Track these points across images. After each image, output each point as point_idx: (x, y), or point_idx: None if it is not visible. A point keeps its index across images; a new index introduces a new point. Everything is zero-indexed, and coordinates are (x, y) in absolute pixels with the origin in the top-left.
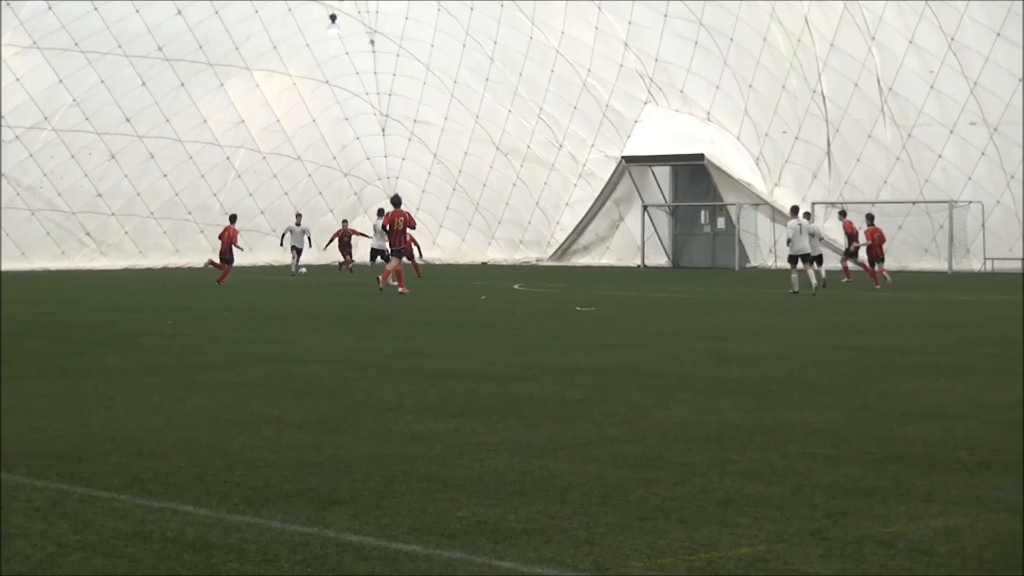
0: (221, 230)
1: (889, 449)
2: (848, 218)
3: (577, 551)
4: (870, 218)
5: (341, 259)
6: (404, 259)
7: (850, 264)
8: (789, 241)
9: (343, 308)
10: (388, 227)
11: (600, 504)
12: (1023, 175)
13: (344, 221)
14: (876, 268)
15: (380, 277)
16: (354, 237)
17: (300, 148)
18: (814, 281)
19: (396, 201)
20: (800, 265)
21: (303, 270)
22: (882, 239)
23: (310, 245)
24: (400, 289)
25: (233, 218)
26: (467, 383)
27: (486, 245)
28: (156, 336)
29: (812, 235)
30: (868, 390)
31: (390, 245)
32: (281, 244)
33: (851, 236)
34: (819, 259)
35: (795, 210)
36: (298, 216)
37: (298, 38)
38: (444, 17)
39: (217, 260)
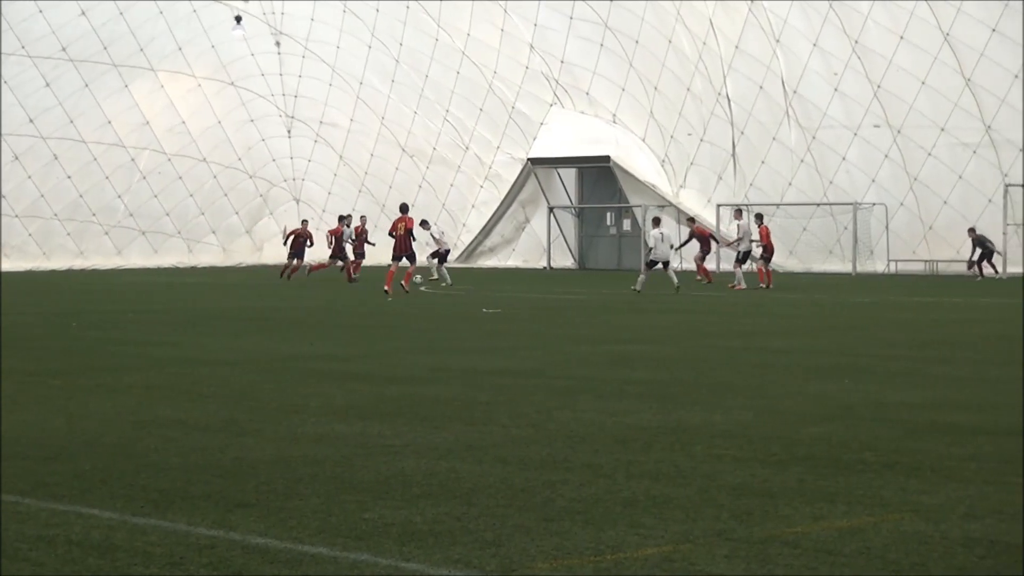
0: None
1: (794, 450)
2: (765, 224)
3: (483, 552)
4: (760, 217)
5: (321, 262)
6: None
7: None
8: (651, 248)
9: (250, 310)
10: (392, 233)
11: (506, 506)
12: (926, 177)
13: (304, 221)
14: (762, 266)
15: (403, 283)
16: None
17: (205, 150)
18: (675, 280)
19: (404, 208)
20: (658, 268)
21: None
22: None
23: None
24: (386, 288)
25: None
26: (373, 385)
27: (391, 247)
28: (60, 339)
29: (672, 244)
30: (773, 391)
31: (394, 250)
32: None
33: (767, 244)
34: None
35: (657, 221)
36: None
37: (203, 39)
38: (349, 19)
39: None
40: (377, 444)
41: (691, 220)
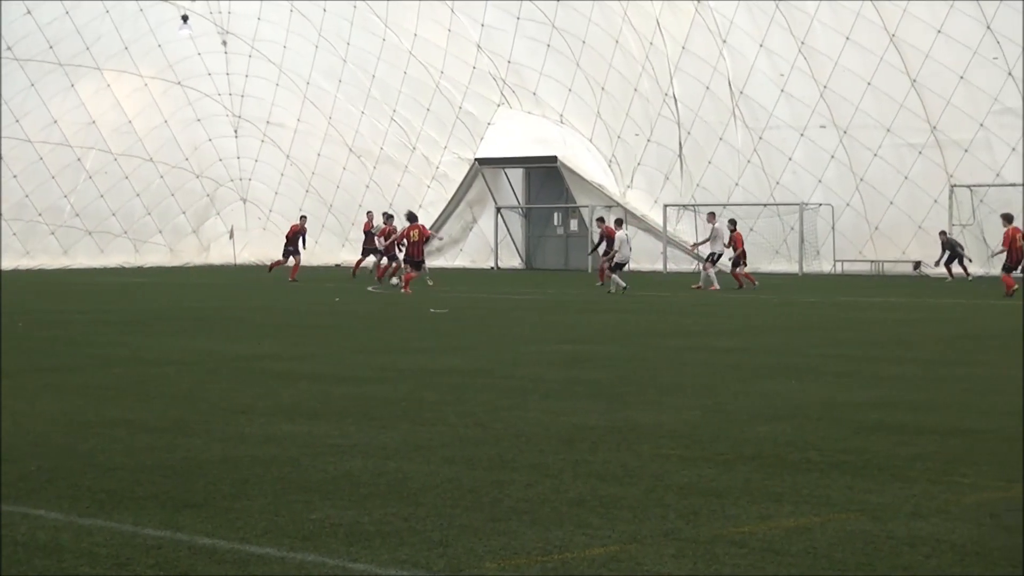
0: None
1: (741, 450)
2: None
3: (431, 552)
4: (733, 223)
5: (277, 259)
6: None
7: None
8: (616, 251)
9: (198, 310)
10: (405, 240)
11: (454, 506)
12: (872, 178)
13: (303, 217)
14: (738, 270)
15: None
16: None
17: (152, 149)
18: (622, 283)
19: (411, 217)
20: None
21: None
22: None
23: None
24: (407, 290)
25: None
26: (321, 385)
27: (339, 247)
28: (6, 339)
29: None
30: (720, 391)
31: (407, 255)
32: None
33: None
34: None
35: (620, 223)
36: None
37: (149, 38)
38: (296, 18)
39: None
40: (324, 444)
41: (600, 220)
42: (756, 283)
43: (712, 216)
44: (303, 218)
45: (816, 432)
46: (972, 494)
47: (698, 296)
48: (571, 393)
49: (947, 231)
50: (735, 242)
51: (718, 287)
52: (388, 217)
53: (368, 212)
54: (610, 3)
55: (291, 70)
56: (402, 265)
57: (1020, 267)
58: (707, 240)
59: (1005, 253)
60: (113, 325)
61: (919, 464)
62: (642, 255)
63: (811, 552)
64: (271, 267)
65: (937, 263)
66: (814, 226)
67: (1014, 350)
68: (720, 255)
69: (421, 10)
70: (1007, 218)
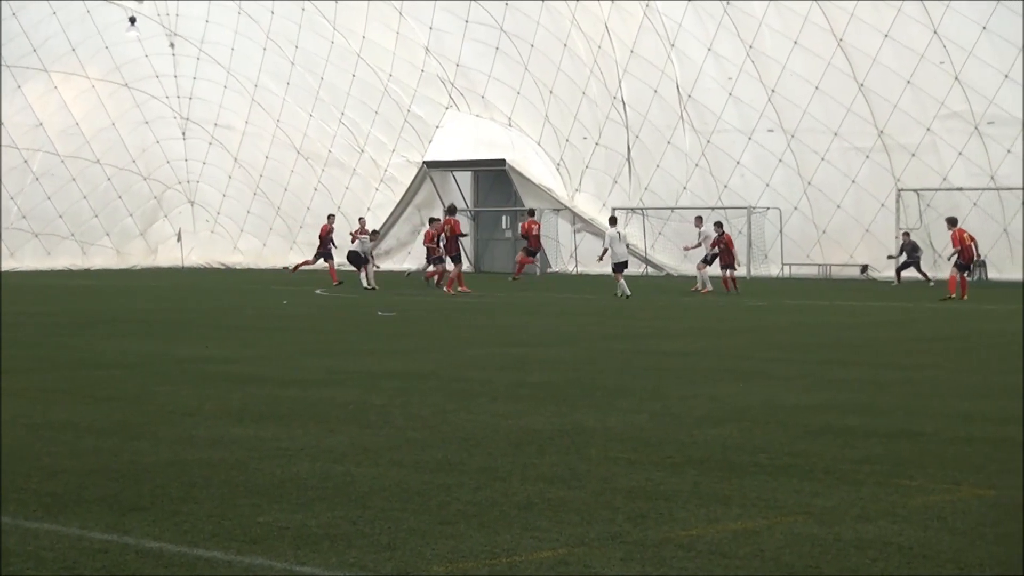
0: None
1: (689, 453)
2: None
3: (378, 556)
4: (719, 225)
5: (304, 260)
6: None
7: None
8: (606, 250)
9: (145, 313)
10: (438, 236)
11: (401, 509)
12: (820, 182)
13: (330, 216)
14: (728, 274)
15: (445, 286)
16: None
17: (99, 151)
18: (627, 291)
19: (452, 210)
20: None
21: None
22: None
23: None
24: (448, 290)
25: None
26: (268, 388)
27: (288, 250)
28: None
29: (628, 244)
30: (668, 394)
31: (446, 251)
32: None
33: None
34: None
35: (613, 220)
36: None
37: (97, 40)
38: (244, 20)
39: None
40: (272, 447)
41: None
42: (738, 289)
43: (699, 220)
44: (331, 217)
45: (763, 435)
46: (919, 497)
47: (645, 299)
48: (519, 396)
49: (909, 233)
50: (726, 244)
51: (709, 288)
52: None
53: (360, 219)
54: (558, 7)
55: (239, 72)
56: (447, 267)
57: (971, 266)
58: (698, 244)
59: (958, 253)
60: (60, 327)
61: (866, 467)
62: (590, 259)
63: (758, 555)
64: (294, 269)
65: (899, 263)
66: (762, 230)
67: (959, 353)
68: (715, 257)
69: (369, 13)
70: (951, 222)
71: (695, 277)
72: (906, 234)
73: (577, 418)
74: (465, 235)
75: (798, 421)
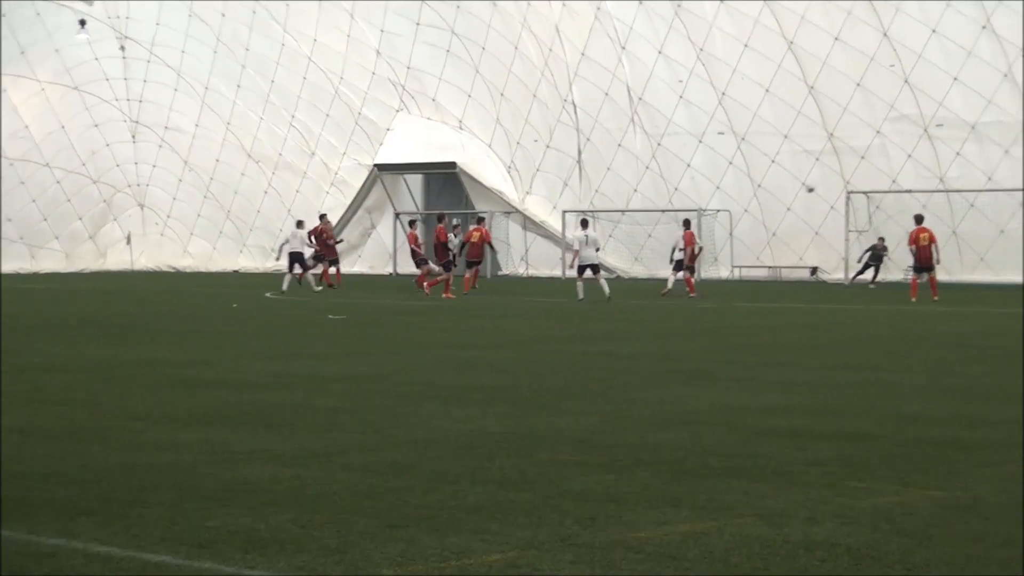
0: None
1: (639, 455)
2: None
3: (328, 560)
4: (686, 223)
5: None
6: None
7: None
8: (577, 252)
9: (94, 316)
10: (468, 240)
11: (351, 512)
12: (770, 184)
13: (322, 216)
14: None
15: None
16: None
17: (48, 154)
18: (607, 289)
19: (481, 220)
20: (588, 274)
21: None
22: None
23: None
24: (427, 291)
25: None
26: (218, 392)
27: (238, 253)
28: None
29: (597, 247)
30: (618, 397)
31: (467, 257)
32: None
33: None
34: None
35: (584, 223)
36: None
37: (46, 43)
38: (195, 23)
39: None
40: (221, 451)
41: (320, 218)
42: (694, 293)
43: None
44: (323, 217)
45: (713, 437)
46: (867, 498)
47: (595, 301)
48: (469, 399)
49: (883, 238)
50: (685, 241)
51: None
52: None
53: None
54: (509, 9)
55: (189, 75)
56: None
57: (926, 268)
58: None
59: (913, 254)
60: (8, 331)
61: (815, 469)
62: (541, 262)
63: (707, 557)
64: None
65: (865, 266)
66: (712, 232)
67: (908, 355)
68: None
69: (321, 16)
70: (916, 219)
71: (645, 279)
72: (881, 239)
73: (527, 421)
74: (447, 244)
75: (747, 423)
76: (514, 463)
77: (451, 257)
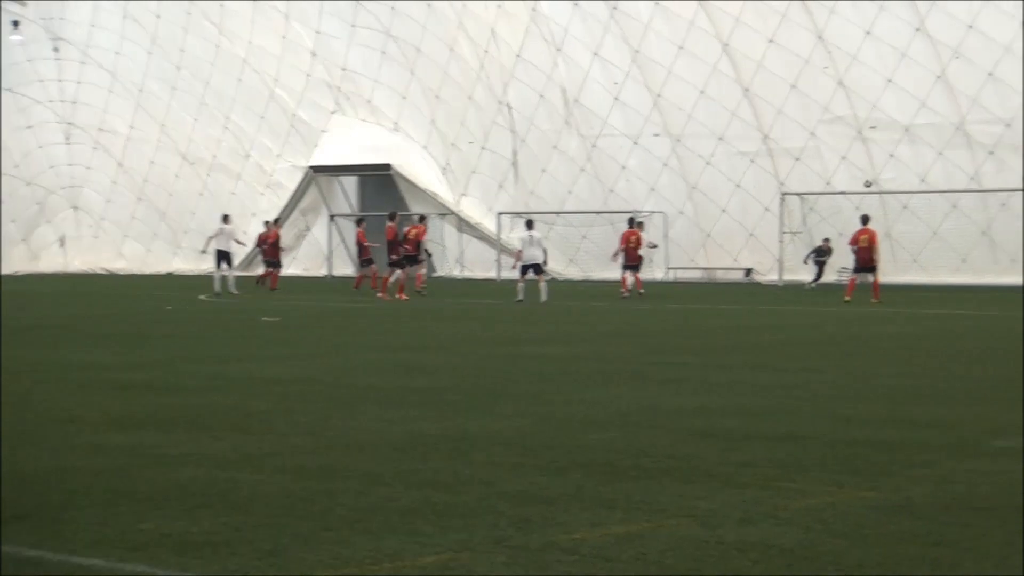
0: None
1: (573, 457)
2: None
3: (262, 562)
4: (630, 222)
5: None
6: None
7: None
8: (520, 252)
9: (26, 319)
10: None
11: (285, 515)
12: (705, 186)
13: (276, 221)
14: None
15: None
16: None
17: None
18: (544, 293)
19: (392, 216)
20: (531, 275)
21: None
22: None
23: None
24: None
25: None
26: (150, 395)
27: (172, 255)
28: None
29: (543, 247)
30: (551, 399)
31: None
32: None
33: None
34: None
35: (530, 223)
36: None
37: None
38: (130, 25)
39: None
40: (154, 454)
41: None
42: (628, 294)
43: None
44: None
45: (647, 439)
46: (800, 499)
47: (531, 303)
48: (403, 401)
49: (828, 239)
50: (620, 241)
51: (522, 298)
52: (421, 218)
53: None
54: (445, 11)
55: (124, 77)
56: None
57: (868, 269)
58: (652, 245)
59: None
60: None
61: (748, 470)
62: (476, 264)
63: (641, 558)
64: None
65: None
66: (647, 234)
67: (841, 356)
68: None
69: (256, 18)
70: (862, 219)
71: (579, 280)
72: (826, 240)
73: (461, 423)
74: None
75: (681, 424)
76: (448, 465)
77: (401, 256)
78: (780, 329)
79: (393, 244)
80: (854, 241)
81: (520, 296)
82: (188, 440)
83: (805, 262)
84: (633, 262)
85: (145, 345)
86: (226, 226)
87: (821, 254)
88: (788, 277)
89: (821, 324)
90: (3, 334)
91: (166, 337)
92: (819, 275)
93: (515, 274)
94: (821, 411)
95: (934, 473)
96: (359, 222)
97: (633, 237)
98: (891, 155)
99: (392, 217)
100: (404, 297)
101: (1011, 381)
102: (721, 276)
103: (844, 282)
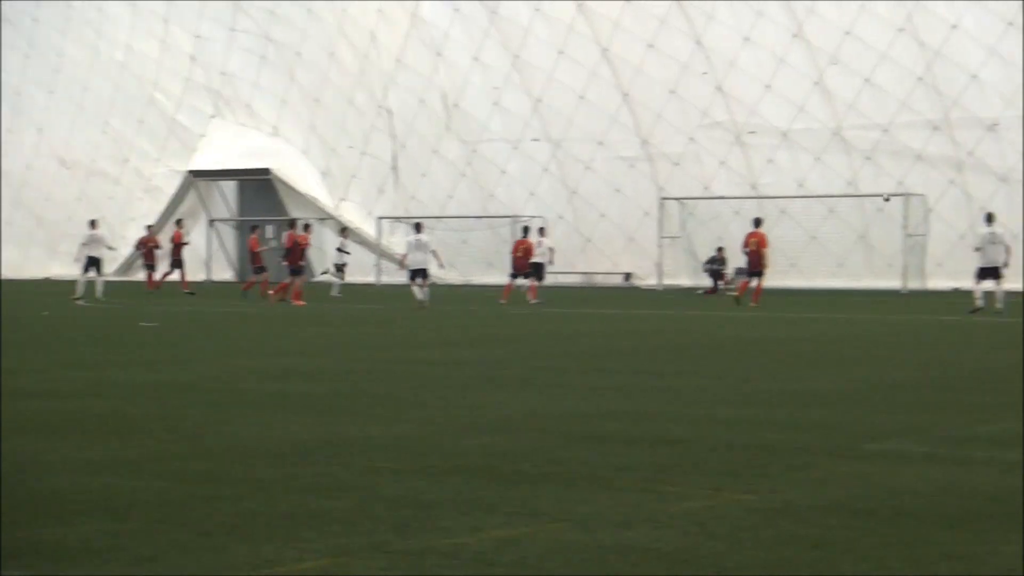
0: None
1: (453, 462)
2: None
3: (139, 569)
4: (525, 230)
5: (165, 274)
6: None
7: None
8: (405, 256)
9: None
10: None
11: (163, 522)
12: (585, 191)
13: (149, 227)
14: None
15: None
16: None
17: None
18: (419, 296)
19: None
20: (419, 279)
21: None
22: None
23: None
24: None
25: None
26: (26, 400)
27: (49, 260)
28: None
29: (431, 250)
30: (432, 403)
31: (513, 267)
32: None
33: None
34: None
35: (418, 227)
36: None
37: None
38: (7, 28)
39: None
40: (30, 461)
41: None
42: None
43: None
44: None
45: (526, 443)
46: (679, 503)
47: (408, 308)
48: (282, 407)
49: (722, 248)
50: (525, 250)
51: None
52: (306, 226)
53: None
54: (325, 16)
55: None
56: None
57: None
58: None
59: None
60: None
61: (627, 474)
62: (355, 268)
63: (521, 562)
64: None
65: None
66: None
67: (719, 360)
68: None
69: (135, 21)
70: (755, 222)
71: (460, 285)
72: (720, 249)
73: (340, 428)
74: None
75: (560, 429)
76: (327, 470)
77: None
78: (660, 333)
79: (292, 251)
80: (746, 244)
81: (419, 298)
82: (65, 446)
83: (705, 272)
84: (520, 270)
85: (19, 351)
86: (95, 232)
87: (715, 263)
88: (667, 281)
89: (701, 328)
90: None
91: (43, 343)
92: (715, 284)
93: (395, 278)
94: (700, 415)
95: (812, 476)
96: (253, 228)
97: (522, 246)
98: (769, 160)
99: (292, 224)
100: (302, 303)
101: (886, 384)
102: (601, 281)
103: (733, 290)
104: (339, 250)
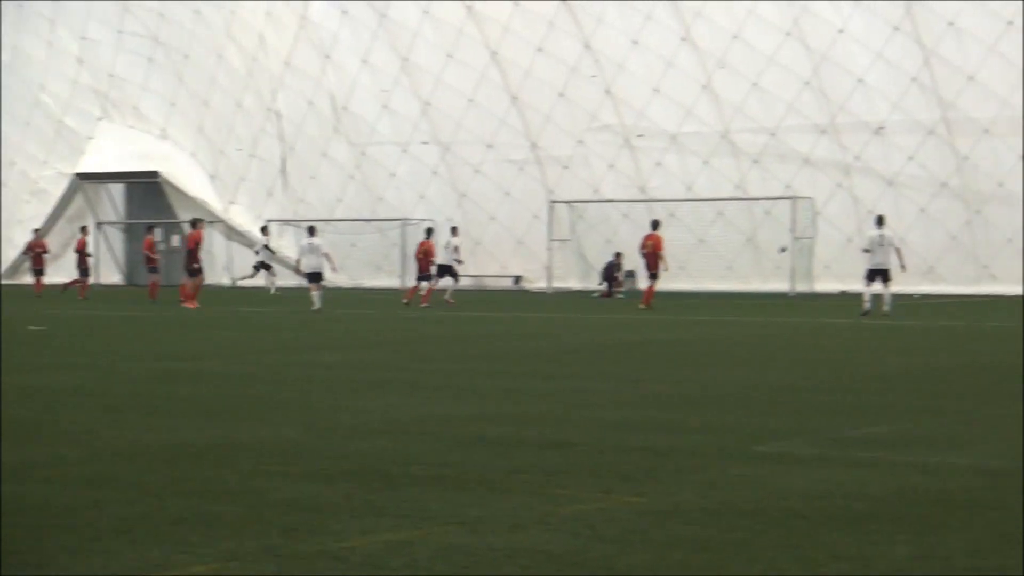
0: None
1: (342, 465)
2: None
3: (27, 572)
4: (428, 231)
5: (73, 280)
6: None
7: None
8: (299, 260)
9: None
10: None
11: (50, 526)
12: (474, 194)
13: (36, 230)
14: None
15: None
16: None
17: None
18: (317, 304)
19: (194, 223)
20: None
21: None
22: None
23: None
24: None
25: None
26: None
27: None
28: None
29: (324, 253)
30: (321, 406)
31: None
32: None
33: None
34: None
35: (312, 230)
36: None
37: None
38: None
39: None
40: None
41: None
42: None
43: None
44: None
45: (417, 446)
46: (570, 505)
47: (300, 312)
48: (171, 410)
49: (620, 254)
50: (425, 253)
51: (319, 307)
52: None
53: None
54: (213, 18)
55: None
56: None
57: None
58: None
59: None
60: None
61: (517, 476)
62: (244, 271)
63: (411, 565)
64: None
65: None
66: (417, 242)
67: (607, 363)
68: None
69: (20, 22)
70: (652, 224)
71: (349, 288)
72: (617, 254)
73: (229, 432)
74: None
75: (449, 432)
76: (216, 474)
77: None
78: (549, 336)
79: (193, 252)
80: (643, 246)
81: (317, 305)
82: None
83: (602, 283)
84: (424, 272)
85: None
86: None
87: (611, 268)
88: (557, 284)
89: (589, 331)
90: None
91: None
92: (609, 289)
93: (286, 281)
94: (590, 417)
95: (701, 478)
96: (149, 228)
97: (423, 248)
98: (658, 163)
99: (195, 224)
100: (195, 305)
101: (775, 387)
102: (491, 283)
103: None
104: (265, 247)
